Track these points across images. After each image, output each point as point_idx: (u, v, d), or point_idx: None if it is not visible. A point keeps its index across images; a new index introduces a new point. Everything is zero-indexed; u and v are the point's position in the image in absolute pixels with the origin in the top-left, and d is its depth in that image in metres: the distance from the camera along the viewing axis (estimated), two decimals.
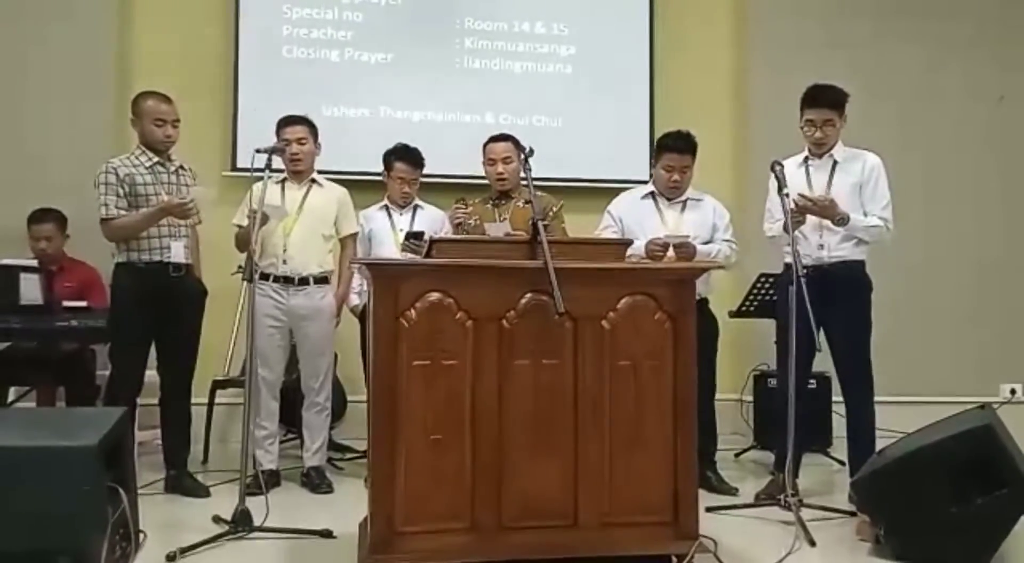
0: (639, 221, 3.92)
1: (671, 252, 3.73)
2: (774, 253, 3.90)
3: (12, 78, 4.72)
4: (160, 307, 3.70)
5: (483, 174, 4.12)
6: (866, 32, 5.35)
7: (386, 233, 4.20)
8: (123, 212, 3.69)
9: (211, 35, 5.05)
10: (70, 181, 4.43)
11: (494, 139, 4.05)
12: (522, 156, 3.16)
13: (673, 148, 3.91)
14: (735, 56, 5.51)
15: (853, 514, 3.37)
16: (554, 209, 3.99)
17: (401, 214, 4.24)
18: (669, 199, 3.97)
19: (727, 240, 3.95)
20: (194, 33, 5.02)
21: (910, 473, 2.91)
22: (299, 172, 3.99)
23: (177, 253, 3.73)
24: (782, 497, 3.37)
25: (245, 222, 3.78)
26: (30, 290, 3.90)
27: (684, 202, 3.97)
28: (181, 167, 3.88)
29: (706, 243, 3.87)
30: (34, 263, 4.10)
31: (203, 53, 5.02)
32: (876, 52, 5.30)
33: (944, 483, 2.83)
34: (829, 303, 3.56)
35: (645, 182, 5.03)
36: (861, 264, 3.76)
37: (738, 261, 4.06)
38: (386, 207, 4.27)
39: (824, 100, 3.71)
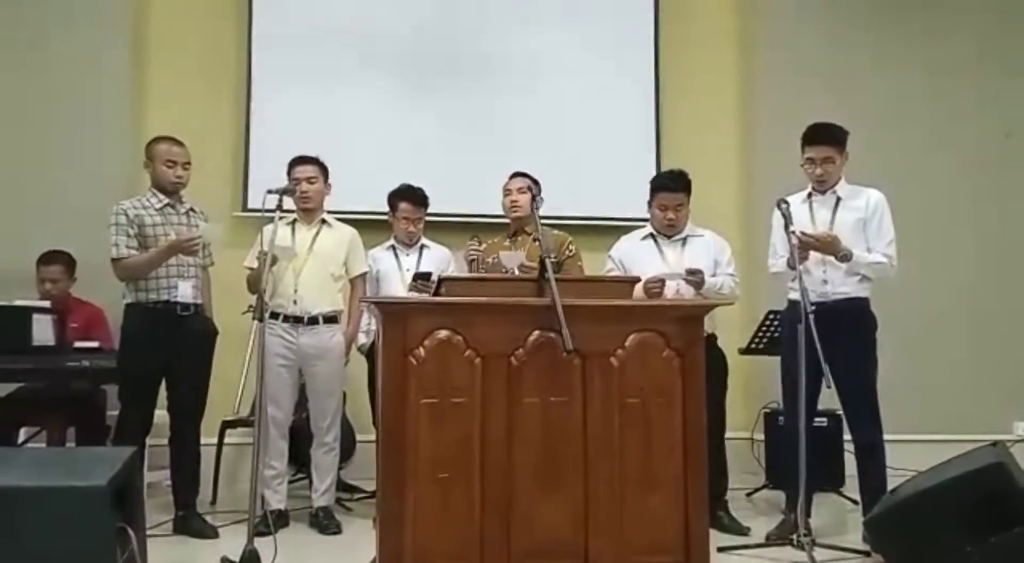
0: (640, 262, 3.93)
1: (668, 288, 3.74)
2: (783, 290, 3.90)
3: (25, 119, 4.81)
4: (169, 347, 3.72)
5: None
6: (869, 66, 5.41)
7: (393, 273, 4.23)
8: (133, 252, 3.74)
9: (223, 76, 5.15)
10: (80, 223, 4.49)
11: (514, 175, 4.10)
12: (533, 195, 3.20)
13: (665, 187, 3.96)
14: (739, 94, 5.58)
15: (867, 554, 3.33)
16: (571, 248, 4.01)
17: (408, 254, 4.28)
18: (668, 237, 4.00)
19: (730, 273, 3.96)
20: (206, 75, 5.12)
21: (924, 512, 2.87)
22: (309, 211, 4.03)
23: (184, 293, 3.76)
24: (795, 537, 3.34)
25: (255, 264, 3.82)
26: (42, 331, 3.92)
27: (684, 239, 3.99)
28: (192, 209, 3.93)
29: (711, 277, 3.87)
30: (46, 304, 4.13)
31: (215, 94, 5.12)
32: (878, 88, 5.36)
33: (958, 521, 2.79)
34: (834, 340, 3.54)
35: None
36: (865, 301, 3.75)
37: (747, 298, 4.06)
38: (392, 247, 4.31)
39: (822, 138, 3.75)
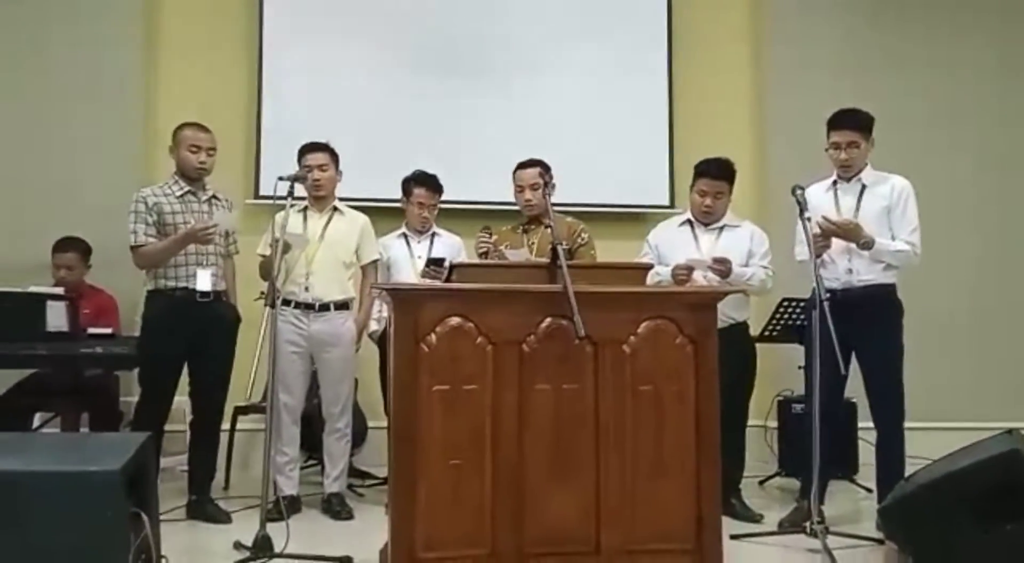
0: (675, 247, 3.92)
1: (696, 274, 3.72)
2: (797, 278, 3.87)
3: (36, 107, 4.81)
4: (190, 333, 3.73)
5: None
6: (881, 58, 5.37)
7: (404, 260, 4.22)
8: (151, 240, 3.74)
9: (235, 63, 5.14)
10: (96, 211, 4.52)
11: (522, 165, 4.01)
12: (545, 184, 3.19)
13: (707, 173, 3.92)
14: (754, 80, 5.53)
15: (881, 542, 3.31)
16: (584, 236, 3.98)
17: (419, 241, 4.26)
18: (706, 225, 3.97)
19: (763, 266, 3.93)
20: (218, 62, 5.12)
21: (938, 499, 2.85)
22: (321, 198, 4.02)
23: (203, 281, 3.76)
24: (808, 524, 3.32)
25: (268, 251, 3.82)
26: (56, 318, 3.94)
27: (721, 228, 3.96)
28: (214, 196, 3.92)
29: (742, 267, 3.85)
30: (60, 291, 4.15)
31: (227, 82, 5.11)
32: (889, 83, 5.30)
33: (973, 509, 2.77)
34: (860, 327, 3.53)
35: (665, 208, 5.07)
36: (892, 287, 3.72)
37: None
38: (404, 234, 4.30)
39: (848, 122, 3.71)
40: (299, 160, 4.02)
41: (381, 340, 4.19)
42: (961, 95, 5.44)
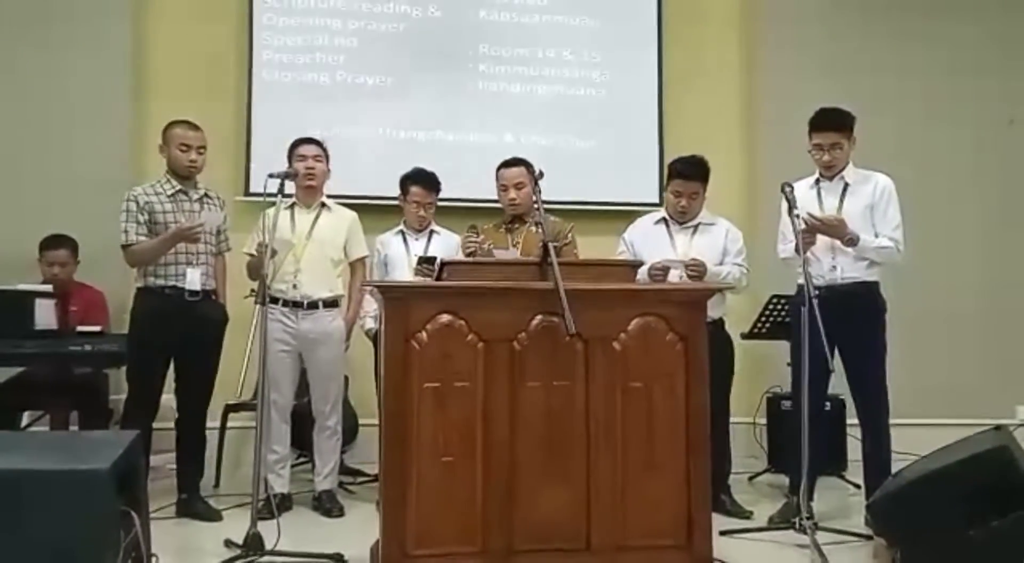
0: (650, 245, 3.93)
1: (672, 275, 3.73)
2: (787, 274, 3.90)
3: (28, 107, 4.78)
4: (178, 331, 3.72)
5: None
6: (871, 57, 5.38)
7: (401, 258, 4.20)
8: (142, 238, 3.74)
9: (225, 62, 5.12)
10: (83, 209, 4.50)
11: (506, 164, 4.02)
12: (534, 179, 3.18)
13: (681, 173, 3.92)
14: (744, 79, 5.53)
15: (869, 537, 3.33)
16: (567, 235, 3.99)
17: (417, 239, 4.25)
18: (680, 223, 3.98)
19: (738, 264, 3.94)
20: (208, 61, 5.09)
21: (926, 495, 2.88)
22: (312, 190, 4.00)
23: (192, 280, 3.76)
24: (797, 520, 3.34)
25: (255, 250, 3.81)
26: (44, 315, 3.92)
27: (696, 226, 3.97)
28: (206, 195, 3.92)
29: (717, 266, 3.86)
30: (48, 288, 4.13)
31: (217, 80, 5.08)
32: (881, 77, 5.31)
33: (960, 505, 2.79)
34: (843, 325, 3.55)
35: (654, 205, 5.08)
36: (875, 285, 3.75)
37: (751, 283, 4.05)
38: (402, 232, 4.29)
39: (830, 123, 3.73)
40: (290, 153, 4.02)
41: (376, 338, 4.18)
42: (954, 82, 5.43)
